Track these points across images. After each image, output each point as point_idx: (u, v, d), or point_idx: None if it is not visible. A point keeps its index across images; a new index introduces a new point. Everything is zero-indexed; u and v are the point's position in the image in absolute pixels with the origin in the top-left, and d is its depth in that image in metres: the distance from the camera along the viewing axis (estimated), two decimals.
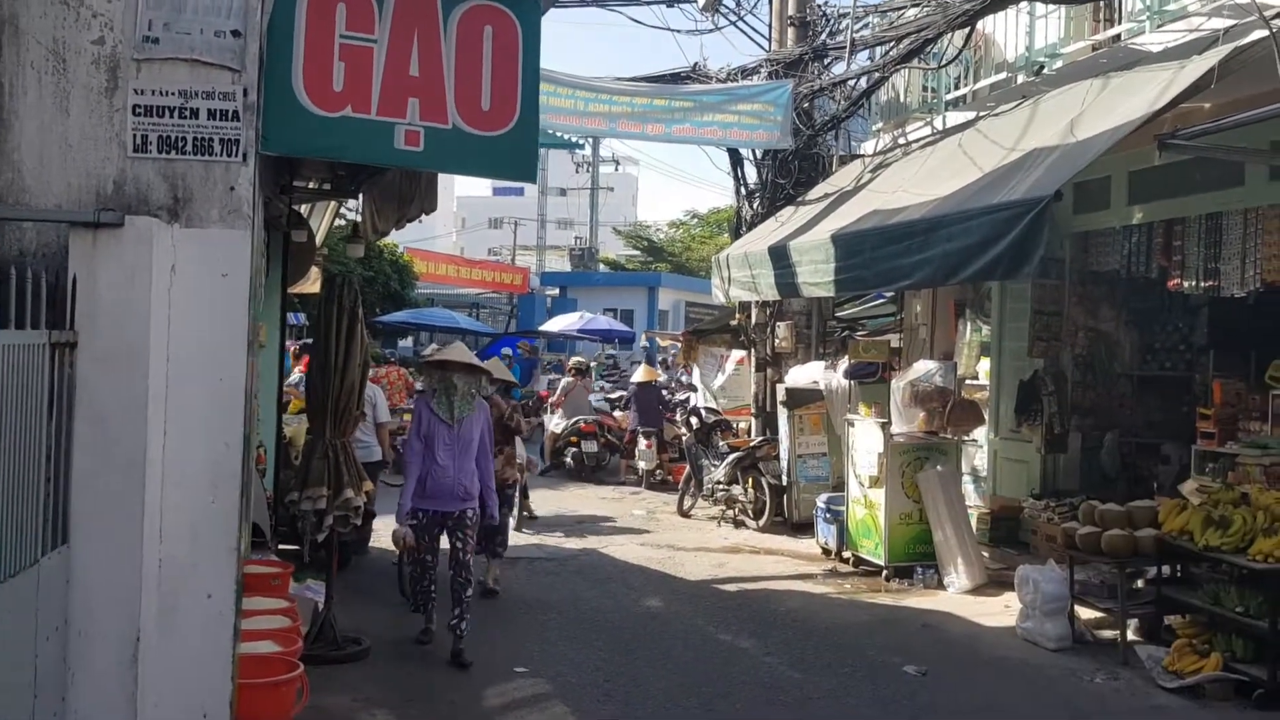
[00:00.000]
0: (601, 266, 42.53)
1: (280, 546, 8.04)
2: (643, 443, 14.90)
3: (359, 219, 9.18)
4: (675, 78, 12.62)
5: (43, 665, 3.89)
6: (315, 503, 6.51)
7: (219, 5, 4.19)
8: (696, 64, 12.89)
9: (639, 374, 16.08)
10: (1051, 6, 8.81)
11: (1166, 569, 7.41)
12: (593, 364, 22.20)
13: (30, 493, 3.76)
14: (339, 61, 4.20)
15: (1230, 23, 7.03)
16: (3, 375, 3.53)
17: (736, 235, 13.34)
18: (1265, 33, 6.39)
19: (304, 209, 8.82)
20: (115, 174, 4.28)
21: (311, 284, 9.54)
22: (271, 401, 8.91)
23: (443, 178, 8.44)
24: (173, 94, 4.23)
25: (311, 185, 7.91)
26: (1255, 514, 6.60)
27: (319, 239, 10.22)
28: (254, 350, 4.87)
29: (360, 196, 8.17)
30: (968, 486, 10.51)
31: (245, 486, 4.47)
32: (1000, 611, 8.28)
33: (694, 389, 15.98)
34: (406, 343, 29.68)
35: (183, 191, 4.28)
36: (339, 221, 12.65)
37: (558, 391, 16.59)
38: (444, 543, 7.07)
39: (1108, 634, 7.49)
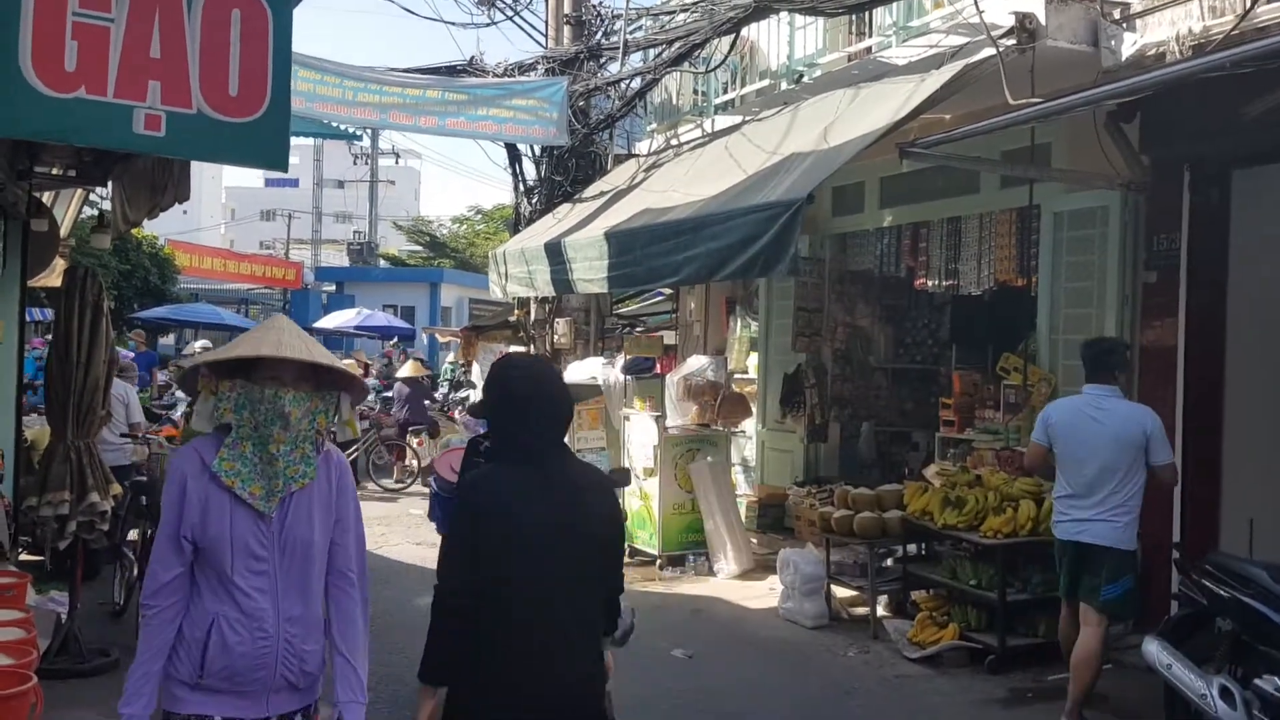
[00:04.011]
0: (381, 262, 41.49)
1: (23, 557, 7.53)
2: (414, 440, 14.69)
3: (108, 207, 8.66)
4: (451, 70, 12.45)
5: None
6: (56, 508, 6.13)
7: None
8: (473, 57, 12.77)
9: (405, 369, 15.77)
10: (810, 18, 9.25)
11: (913, 548, 7.93)
12: (371, 361, 21.64)
13: None
14: (71, 40, 3.93)
15: (965, 40, 7.57)
16: None
17: (515, 231, 13.34)
18: (994, 51, 6.93)
19: (47, 196, 8.24)
20: None
21: (55, 276, 8.91)
22: (10, 402, 8.30)
23: (211, 167, 8.08)
24: None
25: (55, 171, 7.39)
26: (987, 494, 7.17)
27: (64, 229, 9.56)
28: None
29: (110, 184, 7.70)
30: (738, 476, 10.91)
31: None
32: (765, 594, 8.65)
33: (474, 385, 15.87)
34: (168, 340, 28.07)
35: None
36: (89, 210, 11.87)
37: None
38: None
39: (861, 611, 7.96)
